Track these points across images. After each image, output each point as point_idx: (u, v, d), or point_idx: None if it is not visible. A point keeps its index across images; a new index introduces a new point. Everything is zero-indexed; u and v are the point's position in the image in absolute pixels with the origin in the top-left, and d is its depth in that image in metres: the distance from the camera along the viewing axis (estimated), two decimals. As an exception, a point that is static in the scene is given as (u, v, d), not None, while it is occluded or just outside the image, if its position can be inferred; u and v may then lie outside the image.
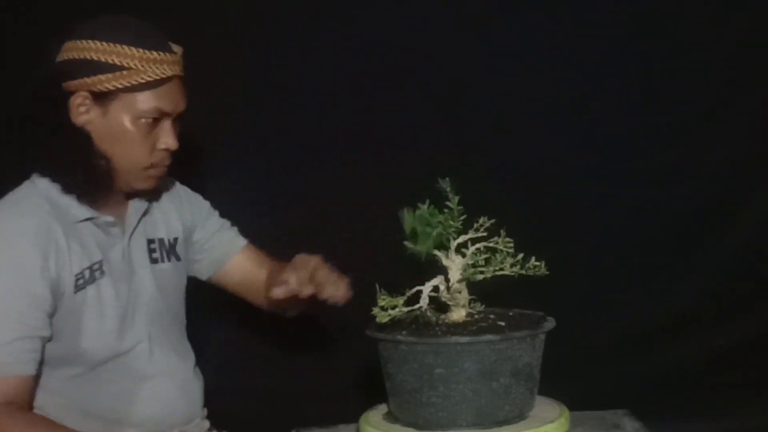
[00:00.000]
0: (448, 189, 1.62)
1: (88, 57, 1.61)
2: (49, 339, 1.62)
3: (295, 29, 2.32)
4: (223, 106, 2.26)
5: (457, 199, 1.64)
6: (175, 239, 1.84)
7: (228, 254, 1.94)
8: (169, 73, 1.65)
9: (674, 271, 2.41)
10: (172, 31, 1.72)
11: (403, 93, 2.32)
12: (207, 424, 1.88)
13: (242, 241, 1.97)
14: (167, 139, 1.68)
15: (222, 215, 1.99)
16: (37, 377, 1.63)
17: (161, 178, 1.75)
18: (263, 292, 1.87)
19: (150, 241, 1.78)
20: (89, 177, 1.64)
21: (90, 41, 1.61)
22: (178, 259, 1.84)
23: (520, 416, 1.50)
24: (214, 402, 1.91)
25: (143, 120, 1.65)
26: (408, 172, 2.18)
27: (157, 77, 1.63)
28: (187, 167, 1.86)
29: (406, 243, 1.55)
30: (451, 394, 1.44)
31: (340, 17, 2.31)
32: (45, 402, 1.67)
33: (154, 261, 1.78)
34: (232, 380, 2.26)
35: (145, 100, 1.64)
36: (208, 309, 2.17)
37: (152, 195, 1.80)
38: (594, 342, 2.36)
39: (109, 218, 1.70)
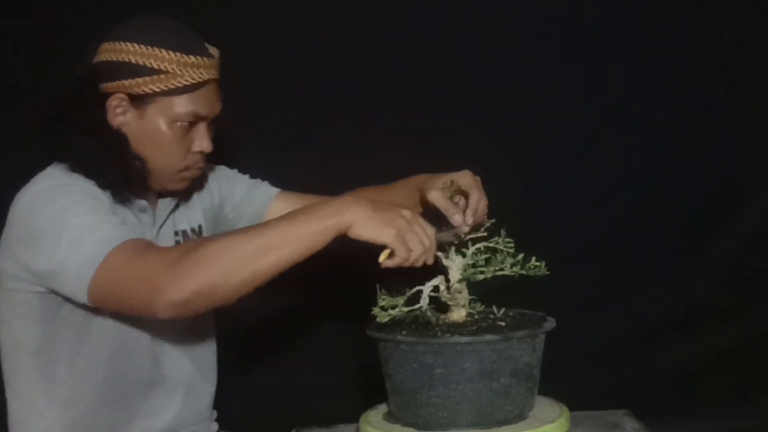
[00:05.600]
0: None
1: (126, 59, 1.61)
2: None
3: (293, 29, 2.32)
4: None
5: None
6: (199, 226, 1.84)
7: (263, 206, 1.92)
8: (206, 77, 1.64)
9: (674, 271, 2.41)
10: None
11: (404, 92, 2.32)
12: (216, 426, 1.87)
13: (274, 190, 1.95)
14: (202, 142, 1.68)
15: None
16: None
17: (194, 179, 1.75)
18: None
19: (175, 233, 1.79)
20: (123, 177, 1.64)
21: (128, 43, 1.61)
22: None
23: (520, 416, 1.50)
24: (214, 402, 1.91)
25: (179, 123, 1.65)
26: (409, 172, 2.18)
27: (194, 81, 1.62)
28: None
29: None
30: (451, 394, 1.44)
31: (341, 18, 2.32)
32: (54, 397, 1.66)
33: None
34: (233, 380, 2.26)
35: (182, 104, 1.64)
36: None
37: (183, 193, 1.80)
38: (594, 342, 2.36)
39: (143, 202, 1.70)
